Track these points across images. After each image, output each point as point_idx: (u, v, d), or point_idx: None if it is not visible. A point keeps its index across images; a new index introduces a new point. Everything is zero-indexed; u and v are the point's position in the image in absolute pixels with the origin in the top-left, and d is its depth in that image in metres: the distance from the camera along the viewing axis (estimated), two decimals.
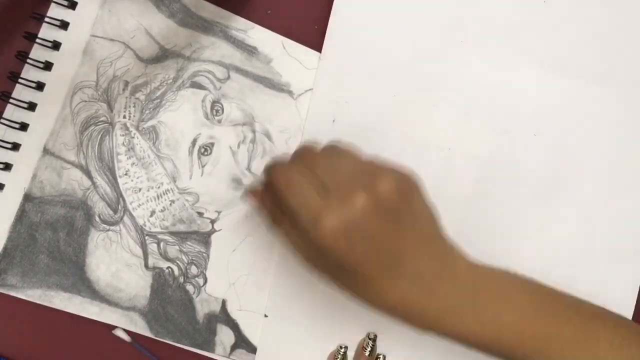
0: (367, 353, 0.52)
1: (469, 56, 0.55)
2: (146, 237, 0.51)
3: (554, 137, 0.55)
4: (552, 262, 0.55)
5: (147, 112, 0.51)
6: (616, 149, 0.56)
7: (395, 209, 0.39)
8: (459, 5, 0.56)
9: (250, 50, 0.53)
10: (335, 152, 0.42)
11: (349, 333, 0.53)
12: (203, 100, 0.52)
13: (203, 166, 0.52)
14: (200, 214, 0.52)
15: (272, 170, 0.42)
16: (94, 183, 0.50)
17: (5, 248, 0.49)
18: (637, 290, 0.55)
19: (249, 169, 0.53)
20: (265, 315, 0.52)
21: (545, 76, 0.56)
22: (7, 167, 0.49)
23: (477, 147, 0.55)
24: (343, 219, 0.38)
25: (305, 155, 0.43)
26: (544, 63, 0.56)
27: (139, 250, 0.51)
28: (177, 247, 0.51)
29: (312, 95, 0.54)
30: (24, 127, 0.49)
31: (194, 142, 0.52)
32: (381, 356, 0.53)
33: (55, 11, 0.50)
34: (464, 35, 0.56)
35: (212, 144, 0.52)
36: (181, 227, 0.52)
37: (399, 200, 0.39)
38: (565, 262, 0.55)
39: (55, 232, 0.49)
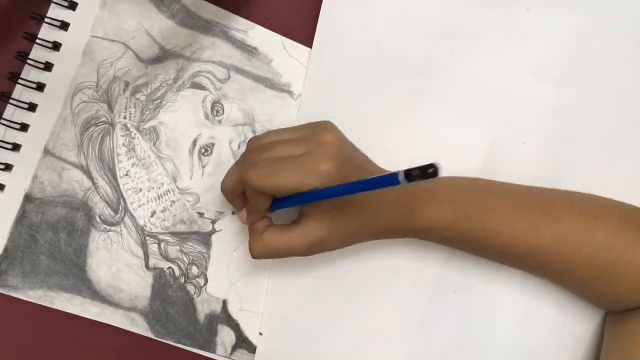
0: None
1: (458, 65, 0.55)
2: (147, 238, 0.51)
3: (542, 144, 0.55)
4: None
5: (148, 112, 0.51)
6: (606, 158, 0.56)
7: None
8: (447, 15, 0.56)
9: (250, 51, 0.53)
10: (269, 134, 0.47)
11: (346, 345, 0.54)
12: (203, 101, 0.52)
13: (204, 166, 0.52)
14: (200, 215, 0.52)
15: (245, 178, 0.44)
16: (94, 184, 0.50)
17: (6, 249, 0.49)
18: None
19: None
20: (260, 334, 0.52)
21: (533, 84, 0.56)
22: (8, 167, 0.49)
23: (467, 155, 0.55)
24: (333, 155, 0.43)
25: (250, 148, 0.47)
26: (532, 71, 0.56)
27: (139, 251, 0.51)
28: (177, 248, 0.51)
29: (298, 113, 0.54)
30: (24, 127, 0.49)
31: (195, 142, 0.52)
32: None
33: (55, 12, 0.50)
34: (453, 44, 0.56)
35: (213, 144, 0.52)
36: (182, 228, 0.52)
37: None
38: None
39: (56, 233, 0.49)
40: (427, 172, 0.36)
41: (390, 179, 0.38)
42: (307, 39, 0.54)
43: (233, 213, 0.52)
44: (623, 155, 0.56)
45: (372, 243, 0.52)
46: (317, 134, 0.45)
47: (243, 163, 0.46)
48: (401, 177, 0.37)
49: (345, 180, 0.41)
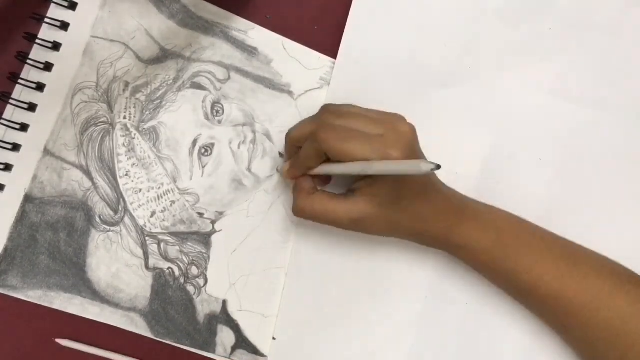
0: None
1: (477, 81, 0.56)
2: (147, 238, 0.51)
3: (559, 161, 0.56)
4: None
5: (148, 112, 0.51)
6: (621, 175, 0.56)
7: None
8: (470, 31, 0.56)
9: (250, 51, 0.53)
10: (349, 106, 0.48)
11: (361, 352, 0.54)
12: (203, 101, 0.52)
13: (203, 167, 0.52)
14: (200, 215, 0.52)
15: (318, 134, 0.45)
16: (94, 184, 0.50)
17: (5, 249, 0.49)
18: None
19: (249, 169, 0.53)
20: (274, 338, 0.52)
21: (551, 101, 0.56)
22: (8, 167, 0.49)
23: (483, 170, 0.55)
24: (404, 147, 0.44)
25: (330, 110, 0.48)
26: (550, 88, 0.56)
27: (139, 251, 0.51)
28: (177, 248, 0.51)
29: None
30: (24, 127, 0.49)
31: (195, 142, 0.52)
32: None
33: (55, 12, 0.50)
34: (473, 60, 0.56)
35: (213, 145, 0.52)
36: (182, 228, 0.52)
37: None
38: None
39: (56, 233, 0.49)
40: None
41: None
42: (307, 39, 0.54)
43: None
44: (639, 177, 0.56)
45: (390, 251, 0.53)
46: (395, 122, 0.46)
47: (320, 121, 0.47)
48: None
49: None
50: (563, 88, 0.56)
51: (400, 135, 0.45)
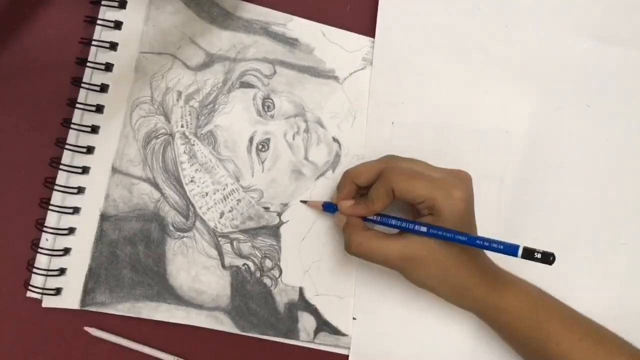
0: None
1: (513, 39, 0.56)
2: (219, 238, 0.52)
3: (607, 105, 0.56)
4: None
5: (203, 118, 0.52)
6: None
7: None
8: None
9: (291, 43, 0.54)
10: (413, 159, 0.50)
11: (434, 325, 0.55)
12: (254, 98, 0.53)
13: (263, 162, 0.53)
14: (266, 209, 0.53)
15: (387, 174, 0.48)
16: (163, 194, 0.52)
17: (90, 268, 0.50)
18: None
19: (306, 158, 0.54)
20: (354, 318, 0.54)
21: (596, 47, 0.56)
22: (81, 190, 0.50)
23: (532, 125, 0.55)
24: (466, 191, 0.47)
25: (395, 156, 0.51)
26: (593, 34, 0.56)
27: (214, 252, 0.52)
28: (249, 244, 0.53)
29: (368, 102, 0.55)
30: (90, 150, 0.50)
31: (251, 140, 0.53)
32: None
33: (102, 34, 0.51)
34: (509, 18, 0.56)
35: (269, 140, 0.53)
36: (251, 224, 0.53)
37: None
38: None
39: (134, 246, 0.51)
40: (547, 258, 0.42)
41: (510, 249, 0.44)
42: (343, 22, 0.55)
43: (303, 201, 0.54)
44: None
45: None
46: (454, 170, 0.49)
47: (388, 162, 0.50)
48: (520, 252, 0.43)
49: (464, 218, 0.47)
50: (604, 32, 0.56)
51: (461, 179, 0.48)
